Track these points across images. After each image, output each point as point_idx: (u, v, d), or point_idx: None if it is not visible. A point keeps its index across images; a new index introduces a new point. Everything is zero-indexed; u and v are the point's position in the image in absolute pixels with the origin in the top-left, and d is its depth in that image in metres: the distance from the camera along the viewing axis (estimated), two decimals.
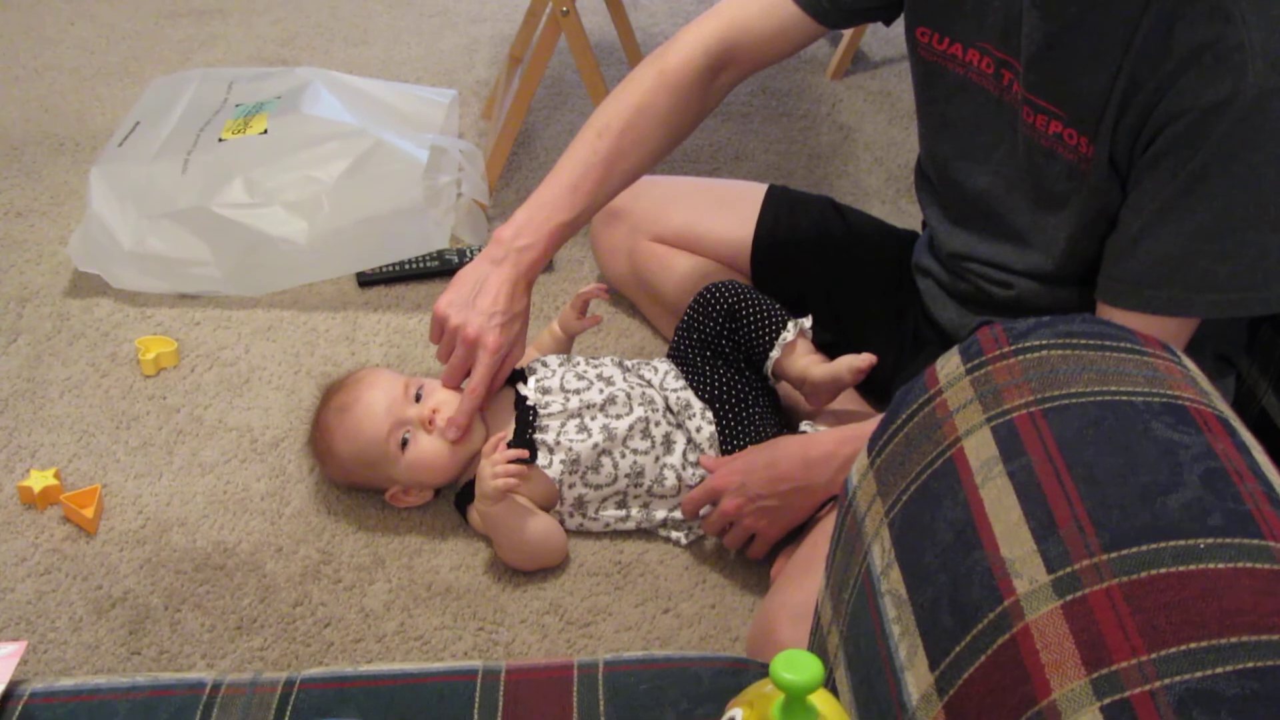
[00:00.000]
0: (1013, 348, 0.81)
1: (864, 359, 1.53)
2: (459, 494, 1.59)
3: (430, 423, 1.53)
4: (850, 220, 1.78)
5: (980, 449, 0.77)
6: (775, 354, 1.60)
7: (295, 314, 1.95)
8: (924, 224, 1.67)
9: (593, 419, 1.55)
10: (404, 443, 1.53)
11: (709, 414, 1.58)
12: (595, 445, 1.53)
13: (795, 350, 1.60)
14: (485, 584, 1.53)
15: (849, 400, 1.70)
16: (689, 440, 1.58)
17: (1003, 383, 0.79)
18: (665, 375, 1.62)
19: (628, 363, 1.66)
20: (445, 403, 1.54)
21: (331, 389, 1.59)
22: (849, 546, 0.87)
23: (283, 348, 1.89)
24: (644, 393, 1.58)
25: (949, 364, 0.84)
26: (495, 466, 1.45)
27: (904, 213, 2.23)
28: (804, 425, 1.58)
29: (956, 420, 0.80)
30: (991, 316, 1.51)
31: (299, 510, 1.62)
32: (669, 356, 1.67)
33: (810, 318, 1.63)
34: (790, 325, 1.60)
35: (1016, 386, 0.78)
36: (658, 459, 1.56)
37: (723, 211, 1.83)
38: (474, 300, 1.51)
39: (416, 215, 1.96)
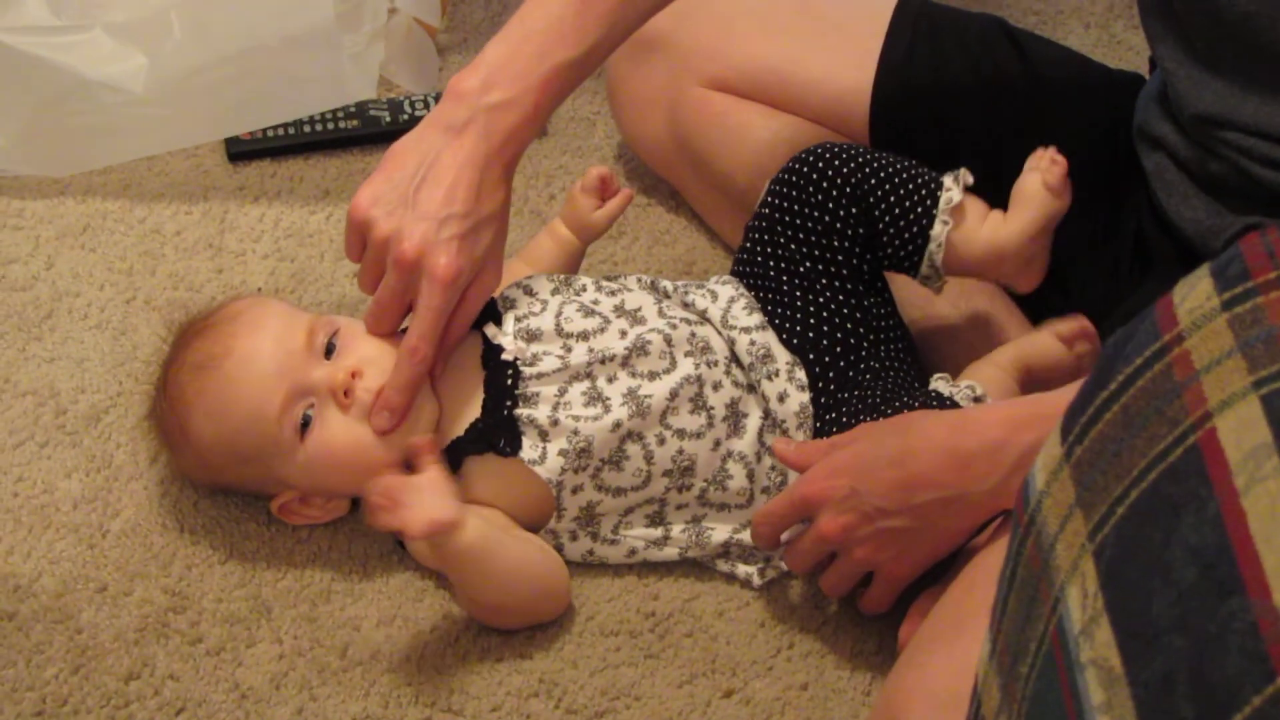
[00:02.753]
0: None
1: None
2: None
3: (348, 394, 1.53)
4: (1033, 56, 1.79)
5: (1244, 432, 0.77)
6: (939, 231, 1.60)
7: (125, 207, 1.96)
8: (1153, 65, 1.67)
9: (610, 381, 1.56)
10: (304, 424, 1.54)
11: (799, 371, 1.60)
12: (616, 425, 1.54)
13: (967, 216, 1.62)
14: (435, 648, 1.54)
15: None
16: (766, 414, 1.59)
17: None
18: (730, 305, 1.63)
19: (666, 284, 1.67)
20: (372, 360, 1.55)
21: (187, 331, 1.60)
22: (1029, 592, 0.86)
23: (106, 262, 1.90)
24: (694, 333, 1.59)
25: (1194, 292, 0.83)
26: (374, 491, 1.42)
27: (1120, 43, 2.22)
28: (937, 382, 1.60)
29: (1206, 385, 0.80)
30: (1262, 217, 1.51)
31: (133, 526, 1.63)
32: (735, 273, 1.68)
33: (963, 171, 1.64)
34: (948, 179, 1.62)
35: None
36: (717, 444, 1.57)
37: (824, 41, 1.83)
38: (416, 194, 1.52)
39: (322, 45, 1.96)
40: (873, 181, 1.62)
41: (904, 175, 1.62)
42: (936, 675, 1.33)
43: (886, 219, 1.62)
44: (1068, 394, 0.90)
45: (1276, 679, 0.70)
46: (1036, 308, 1.77)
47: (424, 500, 1.43)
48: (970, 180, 1.63)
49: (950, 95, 1.77)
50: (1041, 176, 1.61)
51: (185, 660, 1.52)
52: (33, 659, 1.51)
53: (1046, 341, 1.64)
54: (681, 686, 1.52)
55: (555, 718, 1.49)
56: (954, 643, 1.35)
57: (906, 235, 1.62)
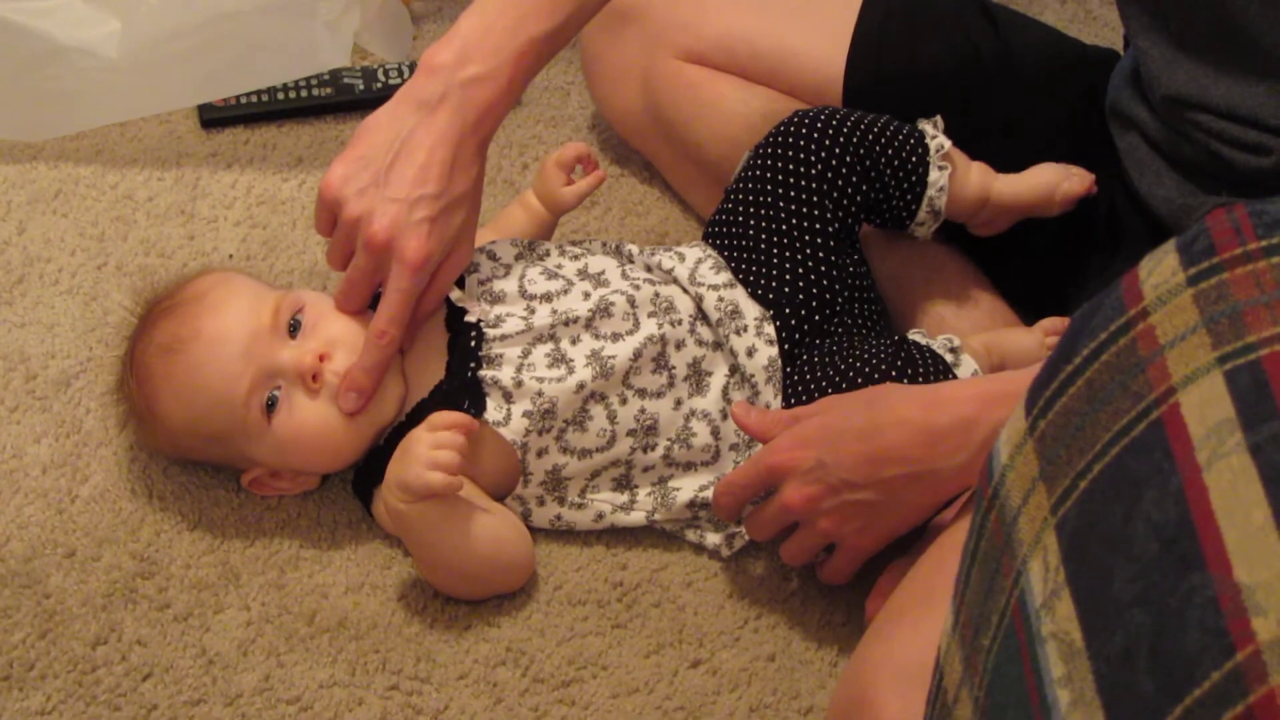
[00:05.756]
0: (1263, 243, 0.81)
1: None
2: (359, 472, 1.60)
3: (316, 378, 1.53)
4: (1007, 31, 1.79)
5: (1207, 408, 0.77)
6: (937, 177, 1.64)
7: (98, 172, 1.96)
8: (1127, 42, 1.67)
9: (574, 342, 1.56)
10: (270, 404, 1.53)
11: (768, 326, 1.60)
12: (580, 386, 1.54)
13: (956, 162, 1.66)
14: (402, 616, 1.54)
15: (1002, 321, 1.71)
16: (734, 370, 1.59)
17: (1246, 300, 0.79)
18: (698, 265, 1.64)
19: (631, 248, 1.67)
20: (340, 341, 1.54)
21: (155, 309, 1.60)
22: (991, 565, 0.86)
23: (78, 227, 1.89)
24: (657, 294, 1.60)
25: (1160, 268, 0.83)
26: (437, 448, 1.45)
27: (1096, 19, 2.22)
28: (914, 335, 1.60)
29: (1170, 360, 0.80)
30: (1232, 197, 1.50)
31: (102, 491, 1.63)
32: (708, 235, 1.69)
33: (938, 118, 1.68)
34: (926, 126, 1.66)
35: (1268, 306, 0.78)
36: (679, 403, 1.58)
37: (798, 13, 1.83)
38: (387, 173, 1.52)
39: (296, 13, 1.95)
40: (869, 139, 1.63)
41: (891, 129, 1.64)
42: (903, 648, 1.33)
43: (887, 173, 1.63)
44: (1035, 370, 0.90)
45: (1236, 654, 0.70)
46: (1007, 282, 1.78)
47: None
48: (942, 124, 1.67)
49: (924, 69, 1.77)
50: (1065, 182, 1.65)
51: (153, 626, 1.52)
52: (0, 623, 1.51)
53: (1026, 336, 1.66)
54: (649, 656, 1.53)
55: (522, 686, 1.49)
56: (921, 616, 1.35)
57: (905, 185, 1.64)
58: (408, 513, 1.48)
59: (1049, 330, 1.64)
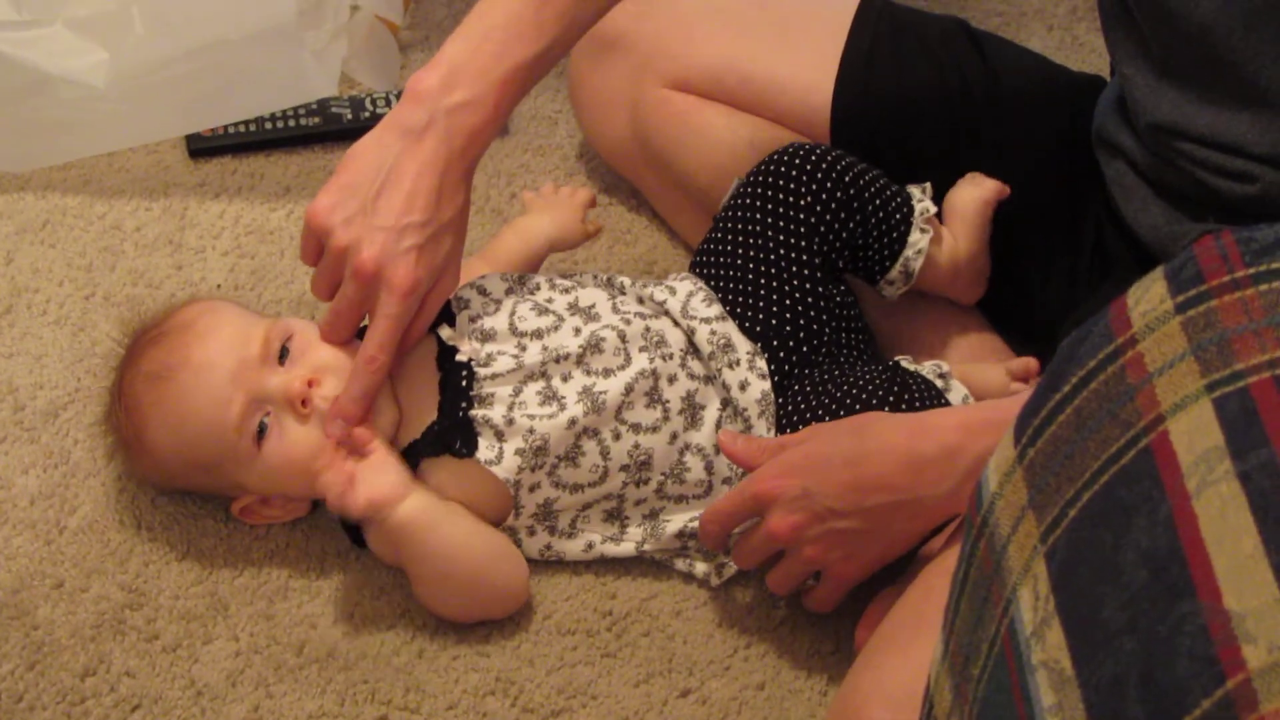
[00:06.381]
0: (1251, 270, 0.81)
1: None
2: None
3: (305, 403, 1.53)
4: (994, 59, 1.79)
5: (1196, 435, 0.77)
6: (917, 239, 1.66)
7: (86, 202, 1.96)
8: (1113, 70, 1.67)
9: (565, 379, 1.56)
10: (260, 430, 1.53)
11: (760, 360, 1.60)
12: (571, 422, 1.54)
13: (940, 232, 1.68)
14: (391, 645, 1.54)
15: (990, 350, 1.71)
16: (726, 404, 1.59)
17: (1233, 327, 0.79)
18: (689, 299, 1.64)
19: (623, 280, 1.67)
20: (329, 368, 1.54)
21: (143, 338, 1.60)
22: (980, 593, 0.86)
23: (66, 258, 1.89)
24: (648, 328, 1.59)
25: (1148, 295, 0.83)
26: (334, 468, 1.48)
27: (1083, 46, 2.22)
28: (903, 361, 1.61)
29: (1158, 387, 0.80)
30: (1218, 224, 1.50)
31: (90, 522, 1.63)
32: (695, 264, 1.70)
33: (928, 184, 1.70)
34: (915, 190, 1.68)
35: (1256, 334, 0.78)
36: (674, 437, 1.57)
37: (785, 41, 1.83)
38: (375, 201, 1.51)
39: (284, 42, 1.95)
40: (859, 184, 1.64)
41: (881, 182, 1.66)
42: (893, 676, 1.33)
43: (870, 222, 1.64)
44: (1023, 400, 0.90)
45: (1226, 682, 0.70)
46: (996, 311, 1.78)
47: (364, 478, 1.47)
48: (930, 191, 1.69)
49: (911, 97, 1.77)
50: (974, 184, 1.69)
51: (141, 657, 1.52)
52: None
53: (993, 371, 1.66)
54: (638, 686, 1.52)
55: (512, 716, 1.49)
56: (910, 644, 1.35)
57: (885, 240, 1.65)
58: (398, 528, 1.48)
59: (1015, 374, 1.65)
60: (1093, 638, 0.76)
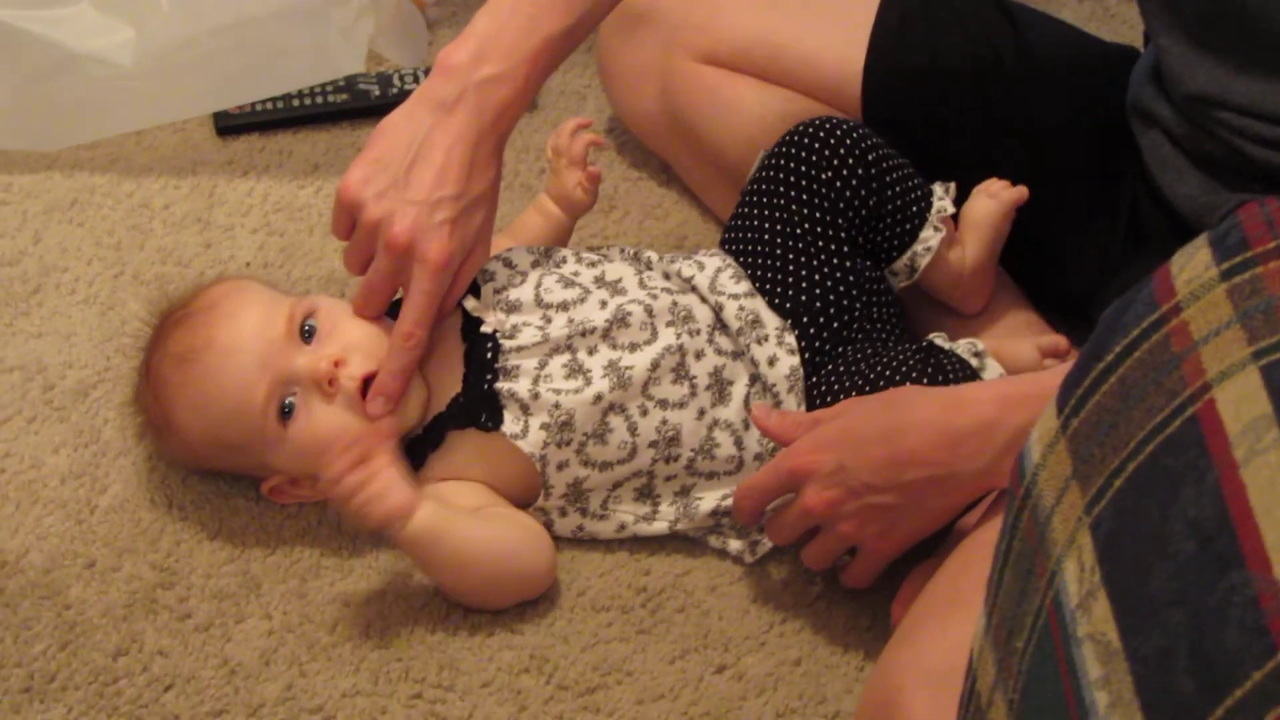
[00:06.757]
0: None
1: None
2: None
3: (333, 383, 1.52)
4: (1026, 29, 1.78)
5: (1243, 404, 0.76)
6: (929, 235, 1.65)
7: (114, 181, 1.96)
8: (1147, 39, 1.66)
9: (592, 353, 1.56)
10: (286, 411, 1.53)
11: (789, 335, 1.60)
12: (597, 397, 1.54)
13: (952, 233, 1.66)
14: (425, 624, 1.54)
15: (1025, 324, 1.71)
16: (755, 380, 1.59)
17: None
18: (718, 274, 1.63)
19: (650, 255, 1.67)
20: (355, 346, 1.54)
21: (169, 318, 1.60)
22: (1024, 566, 0.86)
23: (94, 236, 1.89)
24: (675, 303, 1.59)
25: (1192, 263, 0.83)
26: (351, 483, 1.43)
27: (1114, 16, 2.21)
28: (935, 338, 1.60)
29: (1204, 356, 0.79)
30: (1256, 193, 1.48)
31: (121, 501, 1.63)
32: (725, 241, 1.69)
33: (953, 185, 1.68)
34: (938, 188, 1.66)
35: None
36: (701, 413, 1.57)
37: (815, 13, 1.83)
38: (406, 175, 1.52)
39: (311, 18, 1.96)
40: (883, 166, 1.64)
41: (905, 170, 1.65)
42: (931, 651, 1.32)
43: (887, 207, 1.64)
44: (1061, 373, 0.89)
45: (1277, 654, 0.69)
46: (1030, 285, 1.78)
47: (372, 494, 1.44)
48: (954, 191, 1.68)
49: (943, 69, 1.76)
50: (989, 196, 1.68)
51: (174, 636, 1.52)
52: (20, 635, 1.51)
53: (1024, 346, 1.65)
54: (673, 662, 1.52)
55: (546, 693, 1.49)
56: (948, 619, 1.34)
57: (898, 230, 1.65)
58: (412, 537, 1.47)
59: (1045, 350, 1.64)
60: (1140, 609, 0.76)
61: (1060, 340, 1.65)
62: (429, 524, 1.47)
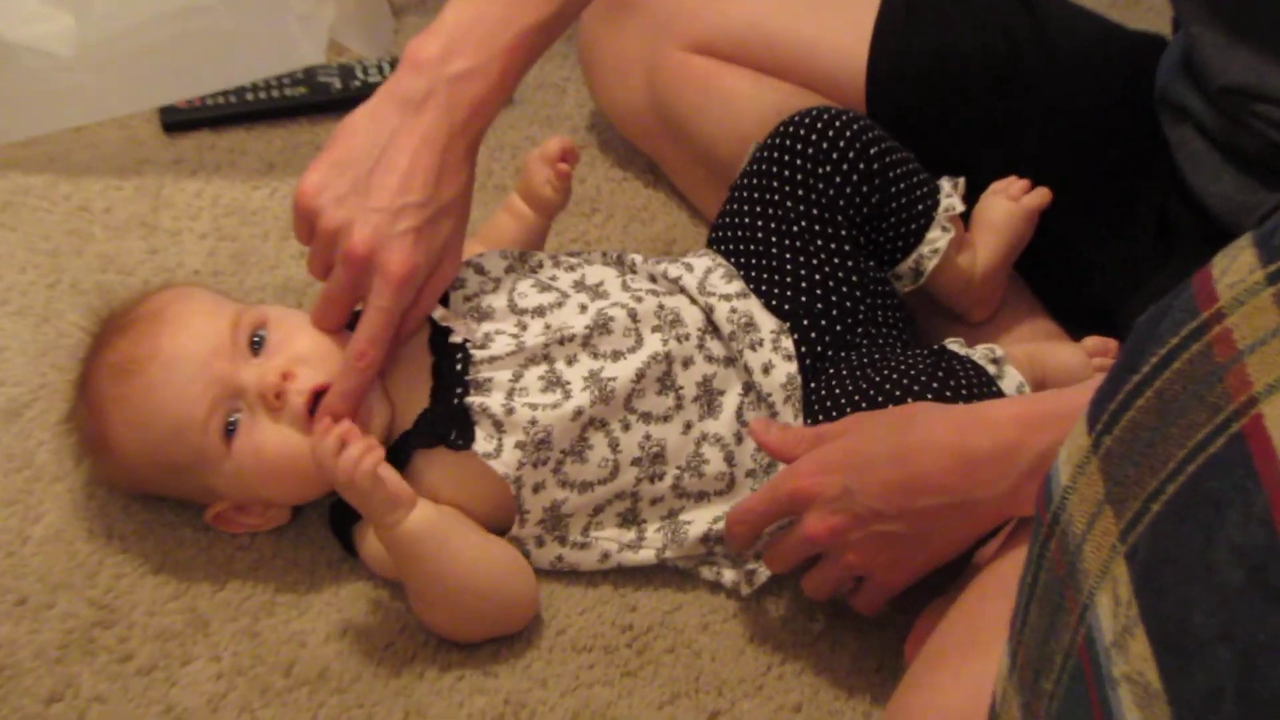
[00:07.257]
0: None
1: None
2: (336, 507, 1.60)
3: (279, 396, 1.52)
4: (1044, 17, 1.80)
5: None
6: (936, 236, 1.66)
7: (50, 182, 1.97)
8: (1176, 26, 1.67)
9: (570, 362, 1.56)
10: (230, 428, 1.52)
11: (786, 340, 1.60)
12: (577, 411, 1.54)
13: (962, 234, 1.68)
14: (390, 665, 1.54)
15: (1044, 334, 1.72)
16: (748, 389, 1.59)
17: None
18: (708, 275, 1.64)
19: (634, 258, 1.67)
20: (304, 359, 1.54)
21: (109, 327, 1.60)
22: (1052, 599, 0.86)
23: (28, 242, 1.90)
24: (662, 306, 1.59)
25: (1235, 265, 0.83)
26: (349, 457, 1.43)
27: (1140, 3, 2.23)
28: (951, 344, 1.61)
29: (1250, 366, 0.79)
30: None
31: (56, 531, 1.62)
32: (713, 239, 1.70)
33: (963, 181, 1.70)
34: (945, 184, 1.67)
35: None
36: (688, 427, 1.57)
37: (816, 2, 1.82)
38: (368, 179, 1.51)
39: (267, 5, 1.96)
40: (887, 160, 1.64)
41: (911, 165, 1.66)
42: (948, 695, 1.32)
43: (890, 205, 1.64)
44: (1088, 390, 0.90)
45: None
46: (1047, 290, 1.79)
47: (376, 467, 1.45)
48: (963, 187, 1.69)
49: (954, 59, 1.78)
50: (1009, 199, 1.70)
51: (113, 680, 1.51)
52: None
53: (1067, 350, 1.67)
54: (662, 708, 1.52)
55: None
56: (967, 659, 1.34)
57: (902, 230, 1.66)
58: (403, 537, 1.47)
59: (1094, 351, 1.65)
60: (1182, 647, 0.76)
61: (1110, 340, 1.66)
62: (431, 521, 1.48)
